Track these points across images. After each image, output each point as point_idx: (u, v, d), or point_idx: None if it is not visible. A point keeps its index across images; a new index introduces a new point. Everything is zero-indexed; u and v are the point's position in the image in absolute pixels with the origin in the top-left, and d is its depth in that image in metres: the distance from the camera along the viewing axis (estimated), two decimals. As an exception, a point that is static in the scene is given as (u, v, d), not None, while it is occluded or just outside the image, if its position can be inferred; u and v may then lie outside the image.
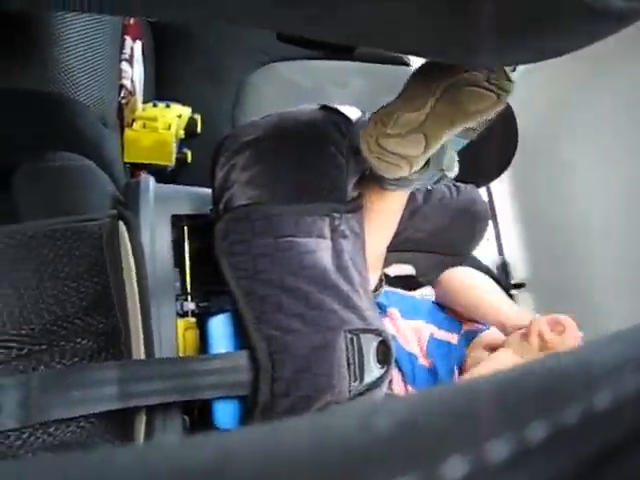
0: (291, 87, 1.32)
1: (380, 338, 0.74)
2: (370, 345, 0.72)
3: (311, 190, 0.72)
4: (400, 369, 0.89)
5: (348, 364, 0.70)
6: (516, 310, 0.94)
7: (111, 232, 0.72)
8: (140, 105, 1.10)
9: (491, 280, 1.07)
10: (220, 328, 0.72)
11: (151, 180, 0.81)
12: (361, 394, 0.71)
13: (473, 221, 1.15)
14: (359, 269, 0.74)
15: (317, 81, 1.34)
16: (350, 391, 0.70)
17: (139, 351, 0.72)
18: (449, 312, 1.02)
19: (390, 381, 0.85)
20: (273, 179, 0.72)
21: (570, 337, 0.83)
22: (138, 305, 0.73)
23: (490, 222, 1.64)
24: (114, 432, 0.70)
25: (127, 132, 1.05)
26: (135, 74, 1.07)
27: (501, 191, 1.66)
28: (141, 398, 0.66)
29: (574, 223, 1.30)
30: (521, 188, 1.52)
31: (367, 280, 0.76)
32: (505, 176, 1.56)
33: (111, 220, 0.73)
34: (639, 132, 1.09)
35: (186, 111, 1.17)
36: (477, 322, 1.00)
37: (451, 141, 0.75)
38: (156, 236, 0.78)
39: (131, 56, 1.07)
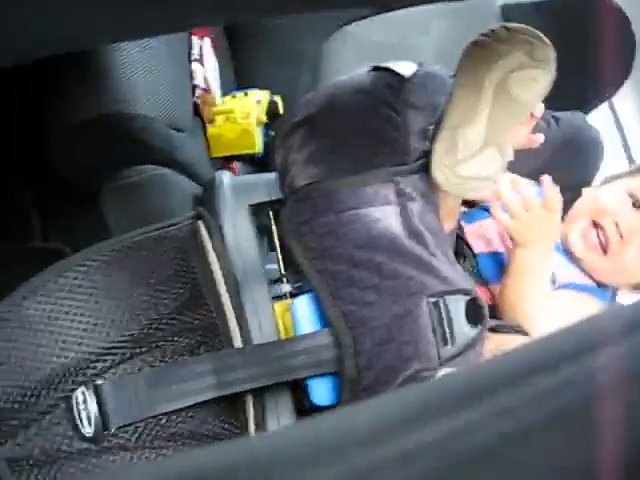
0: (369, 46, 1.28)
1: (468, 297, 0.71)
2: (458, 306, 0.70)
3: (370, 157, 0.70)
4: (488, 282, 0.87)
5: (434, 329, 0.67)
6: None
7: (191, 233, 0.76)
8: (219, 100, 1.13)
9: None
10: (304, 308, 0.73)
11: (225, 175, 0.84)
12: (453, 358, 0.69)
13: (581, 151, 1.04)
14: (433, 230, 0.71)
15: (395, 34, 1.28)
16: (440, 356, 0.68)
17: (237, 341, 0.76)
18: None
19: None
20: (330, 154, 0.71)
21: None
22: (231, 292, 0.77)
23: (621, 147, 1.48)
24: (225, 416, 0.74)
25: (209, 129, 1.08)
26: (208, 71, 1.10)
27: (627, 107, 1.48)
28: (237, 385, 0.70)
29: None
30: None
31: (444, 240, 0.72)
32: (628, 89, 1.39)
33: (191, 221, 0.77)
34: None
35: (264, 95, 1.19)
36: None
37: None
38: (238, 227, 0.81)
39: (201, 55, 1.10)
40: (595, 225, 0.90)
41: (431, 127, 0.73)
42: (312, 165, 0.71)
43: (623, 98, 1.38)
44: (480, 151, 0.67)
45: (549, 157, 1.02)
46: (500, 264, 0.90)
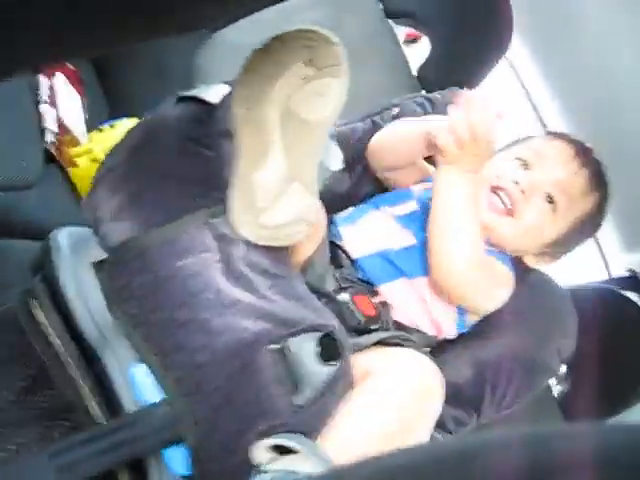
0: (241, 51, 1.20)
1: (318, 334, 0.65)
2: (306, 347, 0.63)
3: (181, 203, 0.64)
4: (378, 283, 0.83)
5: (280, 379, 0.61)
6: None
7: (23, 309, 0.70)
8: (84, 138, 1.06)
9: None
10: (143, 377, 0.67)
11: (62, 234, 0.77)
12: (310, 405, 0.63)
13: None
14: (265, 270, 0.64)
15: (267, 33, 1.21)
16: (291, 407, 0.62)
17: (95, 411, 0.70)
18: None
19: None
20: (138, 205, 0.64)
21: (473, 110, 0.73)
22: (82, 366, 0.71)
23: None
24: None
25: (72, 172, 1.02)
26: (63, 110, 1.03)
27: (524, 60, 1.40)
28: (88, 471, 0.64)
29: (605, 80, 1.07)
30: (542, 56, 1.27)
31: (283, 276, 0.66)
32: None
33: (20, 297, 0.71)
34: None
35: (133, 124, 1.11)
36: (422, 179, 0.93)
37: None
38: (83, 289, 0.74)
39: (52, 95, 1.02)
40: (494, 191, 0.86)
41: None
42: (120, 220, 0.64)
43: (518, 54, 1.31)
44: (283, 192, 0.60)
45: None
46: (388, 261, 0.84)
